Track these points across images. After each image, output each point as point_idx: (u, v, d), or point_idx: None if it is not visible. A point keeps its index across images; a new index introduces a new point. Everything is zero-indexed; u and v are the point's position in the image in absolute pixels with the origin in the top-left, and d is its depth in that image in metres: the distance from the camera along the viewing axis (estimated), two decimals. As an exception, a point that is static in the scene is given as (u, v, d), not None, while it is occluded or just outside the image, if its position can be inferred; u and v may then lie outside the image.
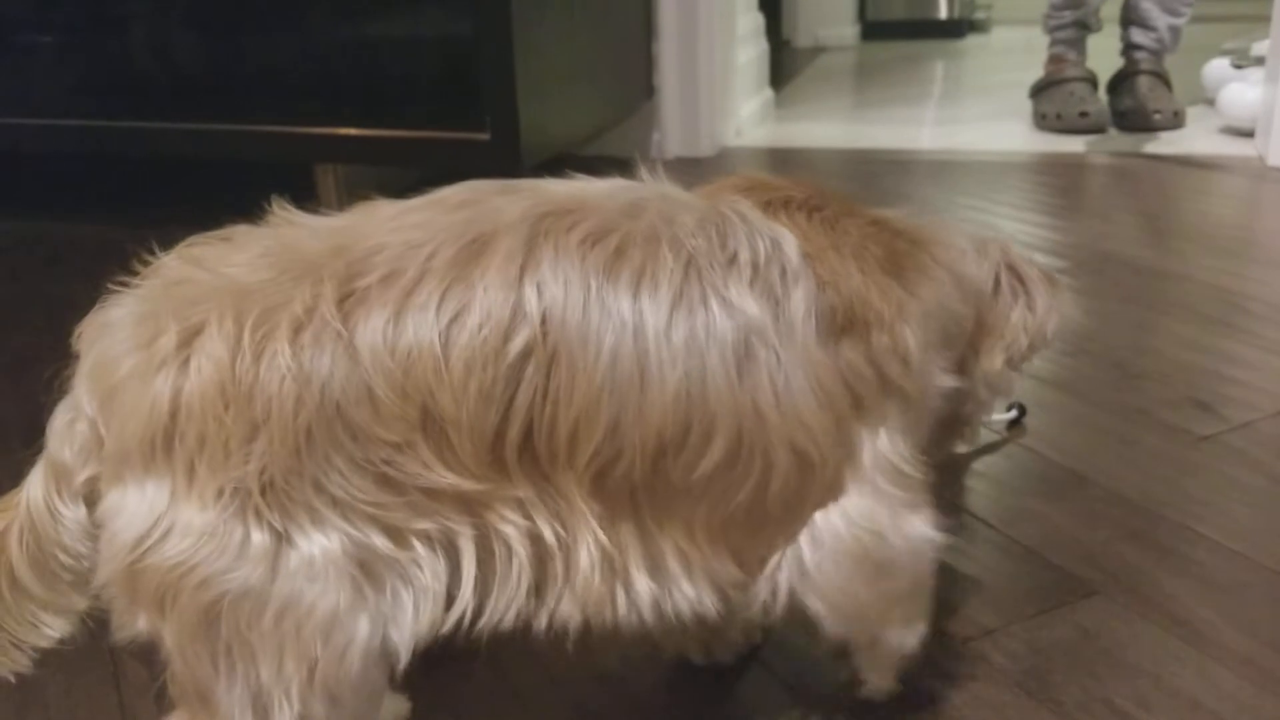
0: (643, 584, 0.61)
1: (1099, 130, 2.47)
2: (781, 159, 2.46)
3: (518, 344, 0.56)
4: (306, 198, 2.21)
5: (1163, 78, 2.50)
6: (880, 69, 3.73)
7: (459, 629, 0.60)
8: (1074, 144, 2.42)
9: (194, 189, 2.39)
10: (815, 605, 0.66)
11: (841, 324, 0.63)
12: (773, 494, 0.62)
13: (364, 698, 0.58)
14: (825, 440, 0.62)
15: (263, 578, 0.55)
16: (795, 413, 0.61)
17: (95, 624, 0.91)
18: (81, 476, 0.59)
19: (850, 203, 0.71)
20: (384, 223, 0.59)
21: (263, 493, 0.54)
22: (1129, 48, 2.54)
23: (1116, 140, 2.44)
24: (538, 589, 0.60)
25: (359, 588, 0.56)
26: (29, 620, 0.64)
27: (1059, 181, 2.15)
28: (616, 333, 0.57)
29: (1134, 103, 2.47)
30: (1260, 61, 2.37)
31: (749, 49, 2.67)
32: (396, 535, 0.57)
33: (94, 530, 0.59)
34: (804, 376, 0.61)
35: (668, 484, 0.60)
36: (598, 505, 0.59)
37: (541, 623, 0.61)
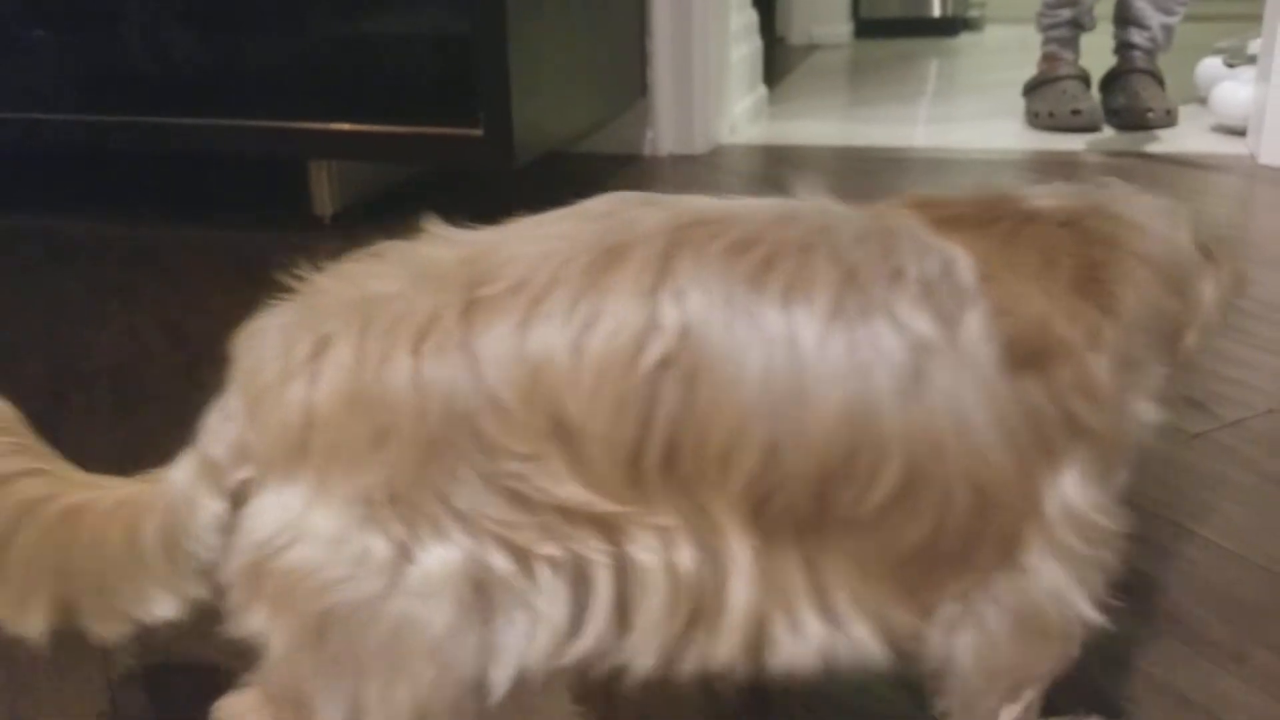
0: (813, 626, 0.57)
1: (1092, 129, 2.47)
2: (776, 156, 2.46)
3: (653, 354, 0.53)
4: (300, 194, 2.18)
5: (1156, 76, 2.50)
6: (874, 67, 3.73)
7: (591, 666, 0.57)
8: (1067, 142, 2.42)
9: (189, 185, 2.38)
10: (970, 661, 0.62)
11: (1022, 354, 0.57)
12: (949, 535, 0.57)
13: None
14: (1008, 481, 0.56)
15: (380, 591, 0.53)
16: (976, 446, 0.55)
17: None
18: (234, 476, 0.59)
19: (1032, 207, 0.64)
20: (522, 233, 0.58)
21: (388, 503, 0.53)
22: (1122, 46, 2.54)
23: (1114, 139, 2.44)
24: (685, 628, 0.56)
25: (472, 610, 0.54)
26: (141, 594, 0.63)
27: (1052, 179, 2.15)
28: (766, 347, 0.53)
29: (1127, 101, 2.48)
30: (1253, 60, 2.38)
31: (743, 46, 2.67)
32: (521, 557, 0.54)
33: (230, 526, 0.59)
34: (984, 408, 0.55)
35: (835, 516, 0.55)
36: (756, 538, 0.55)
37: (690, 666, 0.57)
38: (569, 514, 0.54)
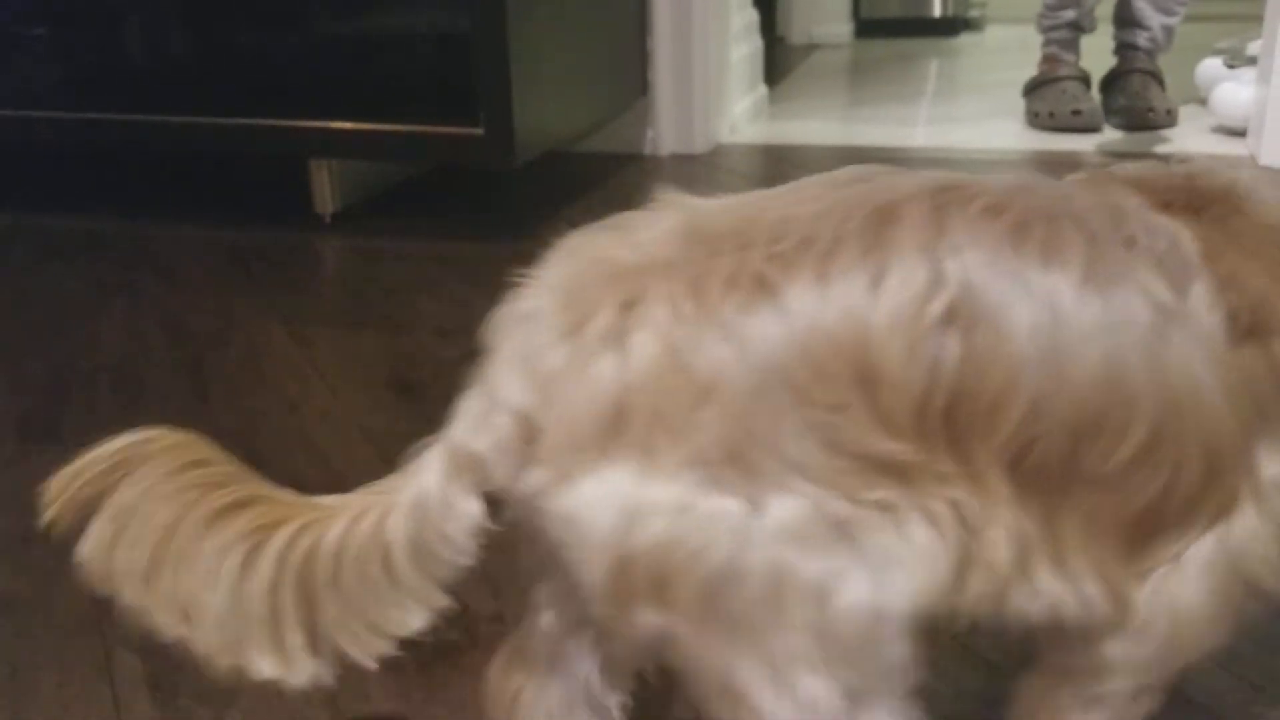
0: (1047, 578, 0.58)
1: (1092, 129, 2.47)
2: (776, 156, 2.46)
3: (938, 307, 0.54)
4: (301, 192, 2.19)
5: (1156, 76, 2.50)
6: (874, 67, 3.73)
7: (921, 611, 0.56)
8: (1067, 142, 2.42)
9: (190, 183, 2.38)
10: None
11: (1245, 326, 0.59)
12: (1177, 497, 0.58)
13: (884, 661, 0.56)
14: (1232, 446, 0.58)
15: (745, 546, 0.53)
16: (1207, 409, 0.57)
17: (88, 616, 0.91)
18: (503, 472, 0.57)
19: (1235, 200, 0.65)
20: (779, 198, 0.59)
21: (725, 461, 0.53)
22: (1122, 46, 2.54)
23: (1114, 139, 2.44)
24: (964, 576, 0.57)
25: (840, 549, 0.54)
26: (391, 611, 0.60)
27: (1053, 180, 2.15)
28: (1031, 304, 0.55)
29: (1127, 101, 2.48)
30: (1253, 61, 2.38)
31: (743, 46, 2.67)
32: (856, 504, 0.55)
33: (488, 527, 0.58)
34: (1212, 373, 0.57)
35: (1079, 472, 0.57)
36: (1011, 487, 0.56)
37: (954, 613, 0.58)
38: (874, 461, 0.54)
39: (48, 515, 0.59)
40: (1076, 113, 2.48)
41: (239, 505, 0.59)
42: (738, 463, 0.53)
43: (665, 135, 2.44)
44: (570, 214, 2.02)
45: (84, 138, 2.08)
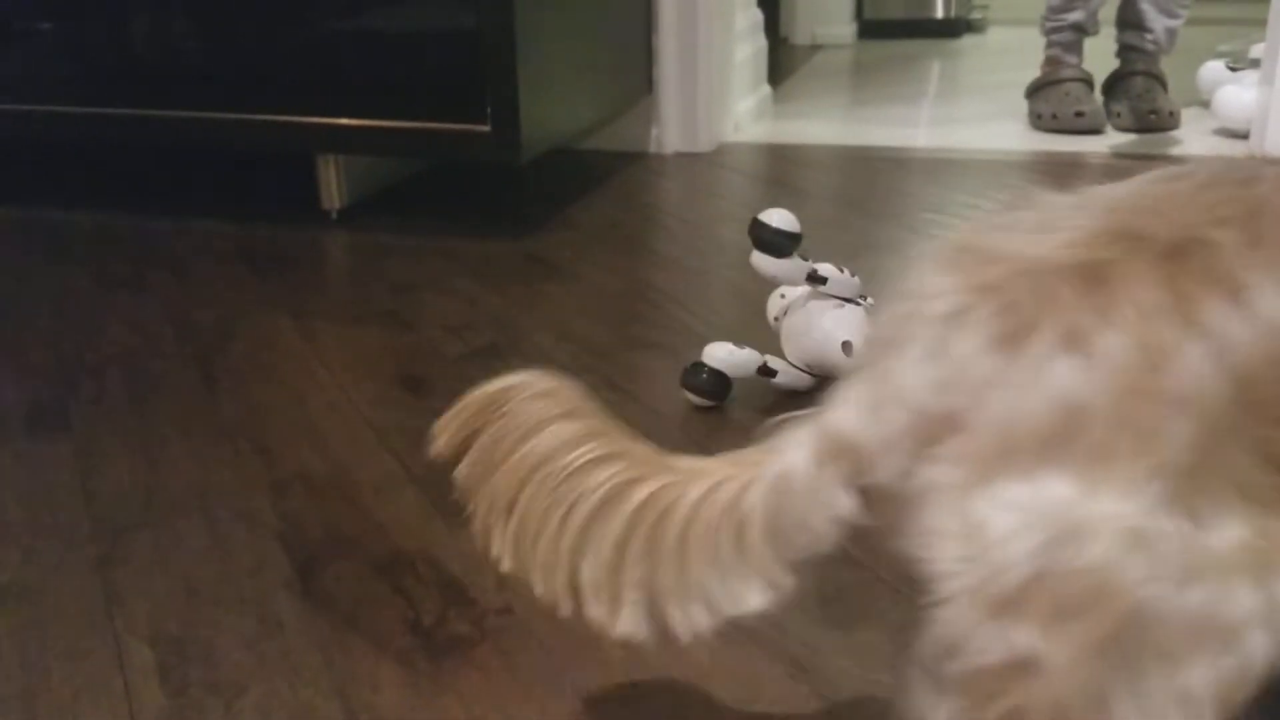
0: None
1: (1095, 131, 2.48)
2: (779, 155, 2.46)
3: None
4: (307, 188, 2.19)
5: (1159, 79, 2.51)
6: (877, 67, 3.73)
7: None
8: (1070, 144, 2.43)
9: (196, 178, 2.39)
10: None
11: None
12: None
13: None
14: None
15: (1185, 578, 0.49)
16: None
17: (99, 607, 0.92)
18: (885, 466, 0.54)
19: None
20: (1187, 199, 0.56)
21: (1185, 479, 0.49)
22: (1125, 49, 2.55)
23: (1117, 141, 2.45)
24: None
25: (1270, 578, 0.51)
26: (736, 585, 0.58)
27: (1055, 181, 2.16)
28: None
29: (1130, 103, 2.49)
30: (1256, 64, 2.39)
31: (747, 45, 2.68)
32: None
33: (863, 522, 0.55)
34: None
35: None
36: None
37: None
38: None
39: (435, 448, 0.63)
40: (1079, 114, 2.48)
41: (600, 461, 0.60)
42: (1194, 483, 0.49)
43: (670, 133, 2.45)
44: (575, 211, 2.03)
45: (91, 132, 2.09)
